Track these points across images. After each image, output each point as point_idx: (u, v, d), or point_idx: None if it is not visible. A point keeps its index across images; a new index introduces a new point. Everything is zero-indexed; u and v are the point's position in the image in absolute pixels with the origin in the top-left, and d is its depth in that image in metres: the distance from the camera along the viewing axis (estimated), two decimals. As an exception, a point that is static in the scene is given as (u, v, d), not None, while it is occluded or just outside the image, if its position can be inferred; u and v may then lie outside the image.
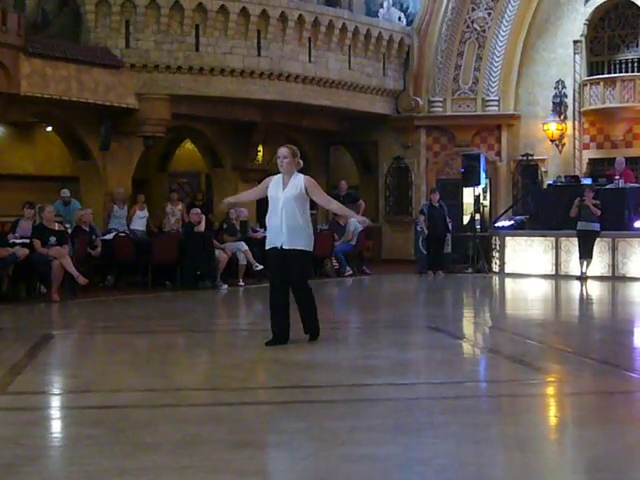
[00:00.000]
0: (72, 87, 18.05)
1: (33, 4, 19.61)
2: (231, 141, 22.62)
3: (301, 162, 9.05)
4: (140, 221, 18.08)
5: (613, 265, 18.01)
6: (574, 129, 23.37)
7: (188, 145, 24.30)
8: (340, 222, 19.27)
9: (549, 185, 20.73)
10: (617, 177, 18.77)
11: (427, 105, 24.04)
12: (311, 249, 8.94)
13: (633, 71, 23.14)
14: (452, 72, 24.02)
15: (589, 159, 23.51)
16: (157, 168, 24.58)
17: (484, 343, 10.20)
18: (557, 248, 18.67)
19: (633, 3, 22.98)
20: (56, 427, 5.86)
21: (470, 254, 20.42)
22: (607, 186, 18.69)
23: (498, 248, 19.56)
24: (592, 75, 23.46)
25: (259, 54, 20.34)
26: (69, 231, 15.13)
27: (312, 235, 8.98)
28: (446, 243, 19.79)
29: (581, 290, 16.26)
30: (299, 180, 8.82)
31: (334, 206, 9.38)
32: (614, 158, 20.32)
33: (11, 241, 13.97)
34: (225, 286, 15.94)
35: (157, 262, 16.14)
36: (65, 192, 17.80)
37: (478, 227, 20.79)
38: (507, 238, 19.42)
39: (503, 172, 24.10)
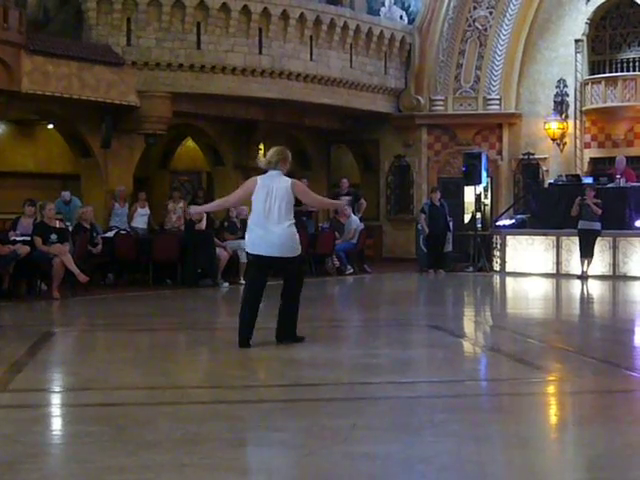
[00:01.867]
0: (73, 84, 18.06)
1: (34, 1, 19.61)
2: (232, 139, 22.62)
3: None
4: (141, 219, 18.08)
5: (614, 264, 18.00)
6: (575, 128, 23.35)
7: (189, 143, 24.30)
8: (341, 220, 19.29)
9: (550, 184, 20.72)
10: (618, 176, 18.76)
11: (428, 104, 24.03)
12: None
13: (634, 70, 23.11)
14: (453, 71, 24.02)
15: (590, 158, 23.50)
16: (158, 166, 24.58)
17: (485, 342, 10.19)
18: (558, 247, 18.66)
19: (635, 2, 22.94)
20: (57, 425, 5.86)
21: (471, 253, 20.43)
22: (608, 185, 18.68)
23: (499, 247, 19.56)
24: (593, 74, 23.45)
25: (260, 52, 20.33)
26: (70, 229, 15.12)
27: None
28: (447, 242, 19.77)
29: (582, 289, 16.26)
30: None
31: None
32: (615, 157, 20.31)
33: (12, 238, 13.96)
34: (226, 284, 15.94)
35: (158, 260, 16.14)
36: (66, 195, 17.79)
37: (479, 226, 20.80)
38: (508, 237, 19.41)
39: (504, 171, 24.09)
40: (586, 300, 15.05)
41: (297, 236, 8.71)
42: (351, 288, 17.58)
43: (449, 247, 19.93)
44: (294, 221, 8.66)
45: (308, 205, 10.56)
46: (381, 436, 5.30)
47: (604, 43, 23.86)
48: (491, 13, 23.70)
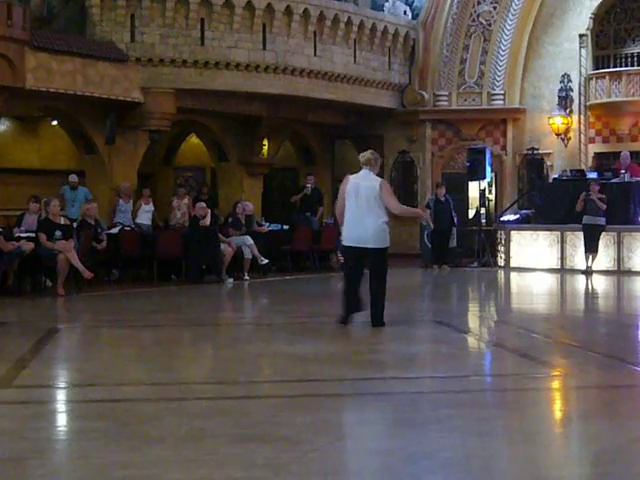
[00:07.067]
0: (77, 81, 18.06)
1: (38, -2, 19.63)
2: (236, 135, 22.63)
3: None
4: (145, 215, 18.08)
5: (618, 259, 18.00)
6: (580, 123, 23.33)
7: (193, 139, 24.30)
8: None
9: (554, 179, 20.72)
10: (623, 171, 18.74)
11: (432, 99, 24.01)
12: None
13: (639, 65, 23.09)
14: (458, 66, 23.99)
15: (595, 153, 23.48)
16: (162, 162, 24.59)
17: (489, 337, 10.19)
18: (562, 242, 18.66)
19: (639, -4, 22.95)
20: (61, 420, 5.86)
21: (475, 248, 20.43)
22: (613, 180, 18.67)
23: (503, 242, 19.55)
24: (598, 69, 23.44)
25: (264, 48, 20.32)
26: (74, 223, 15.12)
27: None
28: (451, 237, 19.77)
29: (586, 284, 16.25)
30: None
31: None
32: (620, 152, 20.28)
33: (17, 235, 13.99)
34: (230, 280, 15.95)
35: (162, 256, 16.16)
36: (73, 177, 17.86)
37: (483, 221, 20.78)
38: (512, 232, 19.41)
39: (509, 166, 24.07)
40: (591, 295, 15.03)
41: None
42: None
43: (454, 242, 19.92)
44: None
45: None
46: (385, 431, 5.30)
47: (608, 38, 23.84)
48: (495, 8, 23.67)
